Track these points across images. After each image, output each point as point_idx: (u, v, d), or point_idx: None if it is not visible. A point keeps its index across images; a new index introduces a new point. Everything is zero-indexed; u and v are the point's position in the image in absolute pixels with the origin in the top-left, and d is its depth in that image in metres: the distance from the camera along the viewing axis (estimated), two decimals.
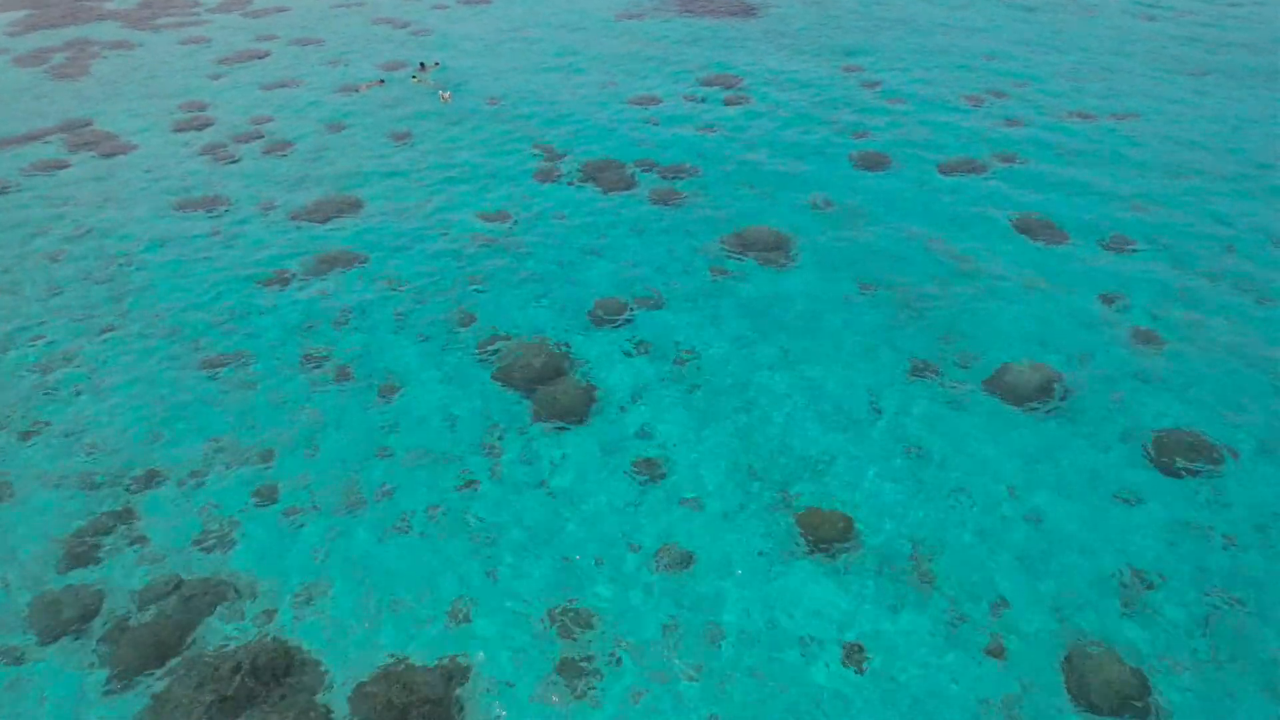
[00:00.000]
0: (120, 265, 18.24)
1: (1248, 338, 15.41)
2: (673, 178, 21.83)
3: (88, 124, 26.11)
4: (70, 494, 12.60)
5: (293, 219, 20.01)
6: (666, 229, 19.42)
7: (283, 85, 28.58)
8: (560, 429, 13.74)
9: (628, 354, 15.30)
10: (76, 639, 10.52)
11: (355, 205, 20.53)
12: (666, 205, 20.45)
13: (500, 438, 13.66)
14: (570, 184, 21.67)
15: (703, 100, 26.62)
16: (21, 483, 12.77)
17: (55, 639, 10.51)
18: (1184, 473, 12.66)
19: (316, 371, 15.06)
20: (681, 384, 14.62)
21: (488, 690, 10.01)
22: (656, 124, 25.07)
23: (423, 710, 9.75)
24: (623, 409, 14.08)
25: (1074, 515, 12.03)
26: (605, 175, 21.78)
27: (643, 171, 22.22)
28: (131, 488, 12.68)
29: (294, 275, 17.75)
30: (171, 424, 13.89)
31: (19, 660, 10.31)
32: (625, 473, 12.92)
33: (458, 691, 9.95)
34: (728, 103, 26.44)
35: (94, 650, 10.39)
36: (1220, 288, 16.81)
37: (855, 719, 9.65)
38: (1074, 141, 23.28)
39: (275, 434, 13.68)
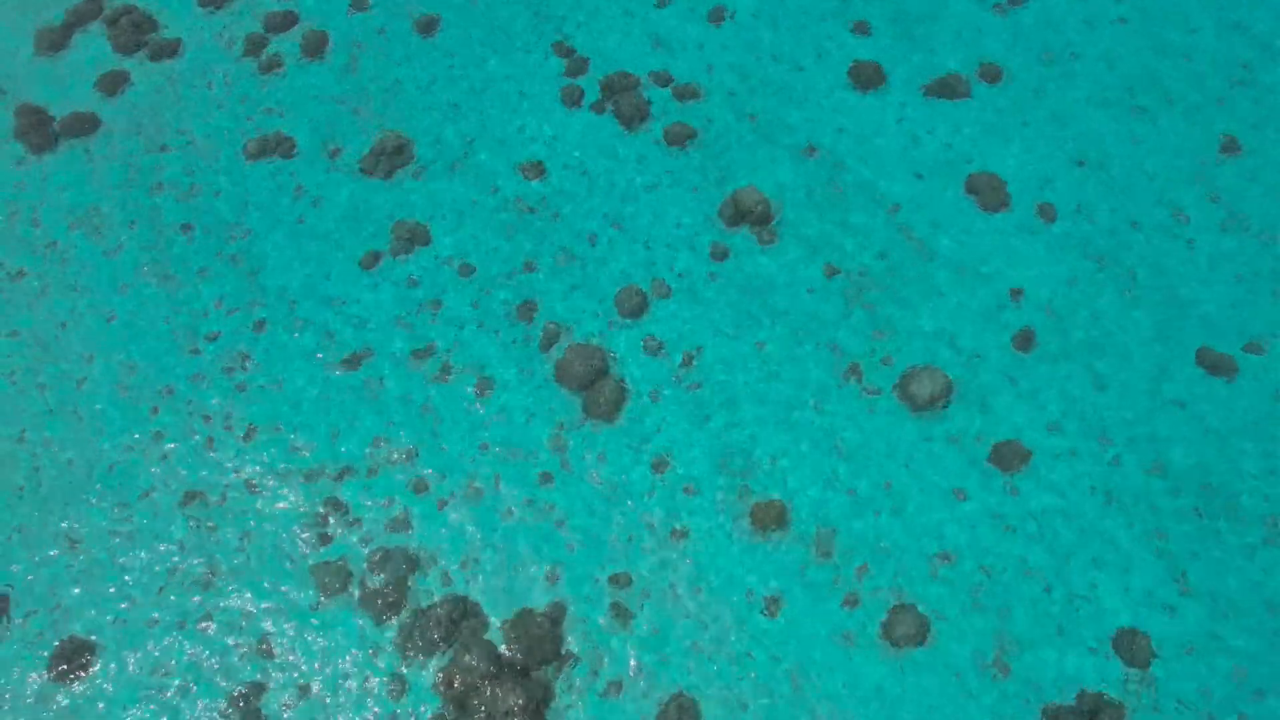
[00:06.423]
0: (239, 239, 22.76)
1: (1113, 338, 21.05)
2: (682, 100, 24.50)
3: None
4: (296, 487, 19.88)
5: (361, 170, 23.63)
6: (675, 185, 23.27)
7: None
8: (602, 427, 20.40)
9: (646, 353, 21.12)
10: (342, 597, 18.81)
11: (407, 151, 23.84)
12: (675, 150, 23.78)
13: (563, 430, 20.43)
14: (591, 108, 24.54)
15: None
16: (263, 480, 19.97)
17: (333, 596, 18.80)
18: (1007, 471, 19.74)
19: (424, 368, 21.10)
20: (685, 383, 20.82)
21: (577, 621, 18.56)
22: (664, 5, 26.20)
23: (542, 635, 18.35)
24: (644, 410, 20.56)
25: (922, 506, 19.42)
26: (623, 100, 24.37)
27: (656, 87, 24.75)
28: (334, 481, 19.91)
29: (383, 255, 22.44)
30: (339, 422, 20.52)
31: (314, 609, 18.73)
32: (646, 465, 20.03)
33: (560, 627, 18.50)
34: None
35: (355, 605, 18.75)
36: (1122, 283, 21.69)
37: (775, 644, 18.35)
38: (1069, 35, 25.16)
39: (412, 430, 20.40)
